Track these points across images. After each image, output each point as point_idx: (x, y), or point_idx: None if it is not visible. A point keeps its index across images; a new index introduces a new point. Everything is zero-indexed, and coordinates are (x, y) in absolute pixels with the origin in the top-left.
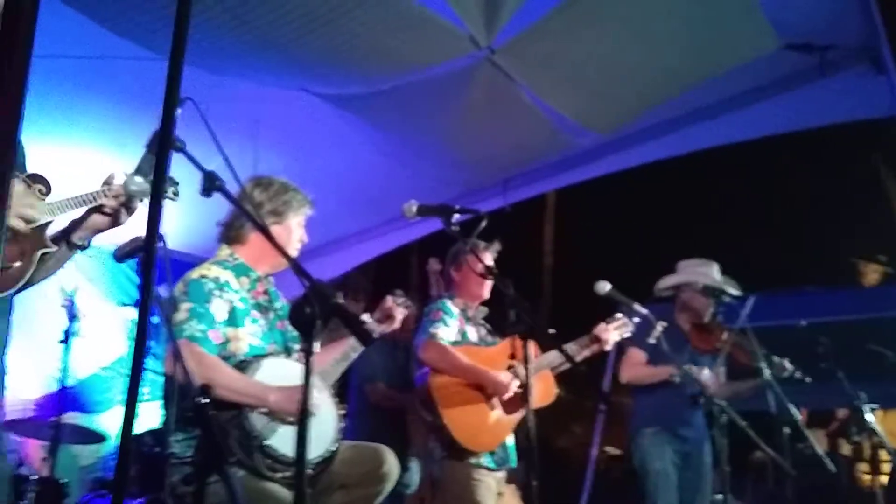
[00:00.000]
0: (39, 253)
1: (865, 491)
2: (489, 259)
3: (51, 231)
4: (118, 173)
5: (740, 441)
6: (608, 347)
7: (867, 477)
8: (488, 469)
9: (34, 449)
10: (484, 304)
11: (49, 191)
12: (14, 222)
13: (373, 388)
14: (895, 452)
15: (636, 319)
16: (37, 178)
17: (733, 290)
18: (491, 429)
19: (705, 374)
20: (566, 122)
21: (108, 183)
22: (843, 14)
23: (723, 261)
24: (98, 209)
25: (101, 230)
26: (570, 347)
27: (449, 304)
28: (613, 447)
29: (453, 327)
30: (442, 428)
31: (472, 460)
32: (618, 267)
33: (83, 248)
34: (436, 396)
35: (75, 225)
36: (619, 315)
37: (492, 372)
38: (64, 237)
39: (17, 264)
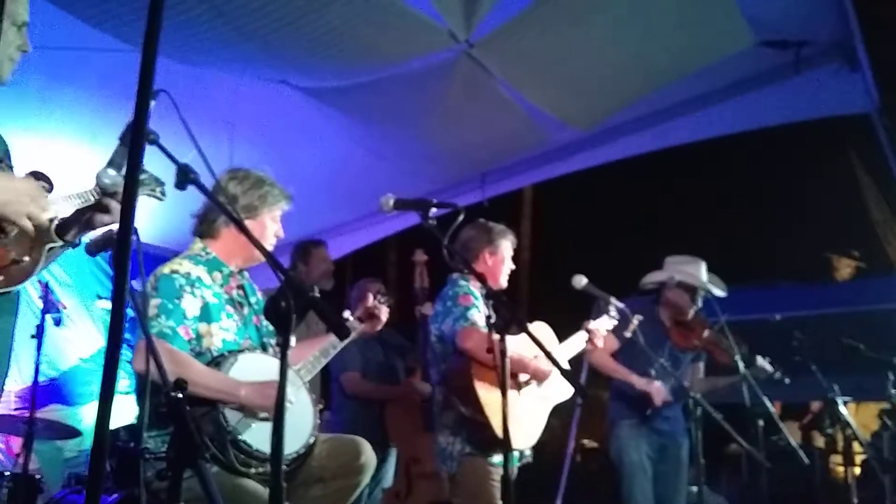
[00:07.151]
0: (47, 247)
1: (839, 483)
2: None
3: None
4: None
5: (715, 433)
6: (600, 342)
7: (840, 469)
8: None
9: (18, 443)
10: None
11: (52, 188)
12: (23, 222)
13: (349, 378)
14: (868, 444)
15: (612, 312)
16: (39, 176)
17: (719, 292)
18: (527, 424)
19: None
20: (544, 117)
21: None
22: (817, 11)
23: (697, 255)
24: (100, 208)
25: (96, 227)
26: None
27: (471, 285)
28: (590, 440)
29: (483, 311)
30: (481, 423)
31: (495, 459)
32: (594, 261)
33: (75, 245)
34: (477, 388)
35: (71, 221)
36: (599, 309)
37: (533, 360)
38: (59, 233)
39: (27, 259)
